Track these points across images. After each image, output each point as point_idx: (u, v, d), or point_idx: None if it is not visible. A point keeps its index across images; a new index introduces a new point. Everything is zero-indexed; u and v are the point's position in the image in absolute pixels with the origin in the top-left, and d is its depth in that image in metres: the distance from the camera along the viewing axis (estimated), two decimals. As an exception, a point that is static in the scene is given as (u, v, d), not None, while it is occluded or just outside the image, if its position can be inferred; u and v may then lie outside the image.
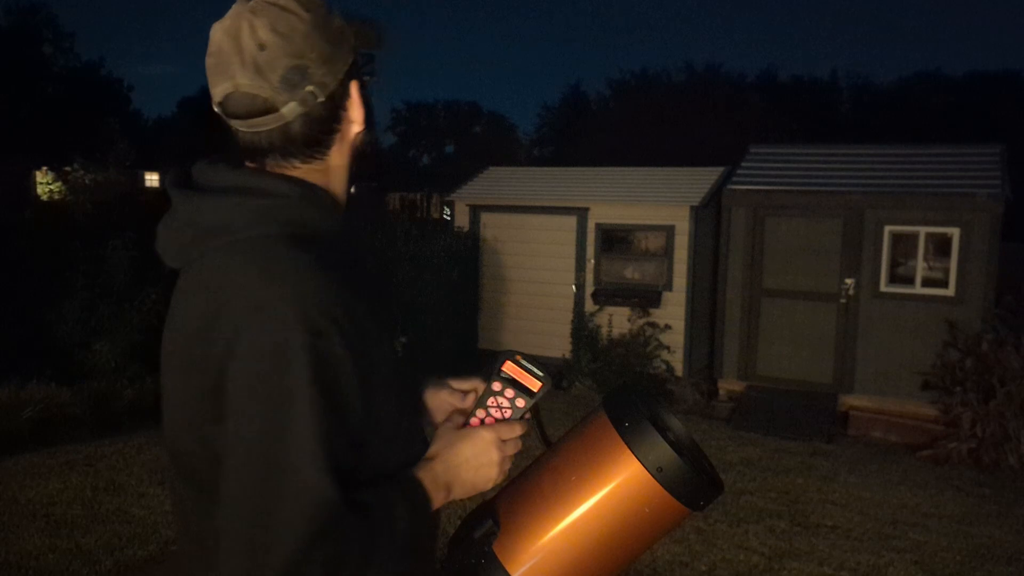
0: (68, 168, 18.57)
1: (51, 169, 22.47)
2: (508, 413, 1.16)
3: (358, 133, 1.16)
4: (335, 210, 1.14)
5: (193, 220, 1.09)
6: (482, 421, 1.16)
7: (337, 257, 1.07)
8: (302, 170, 1.12)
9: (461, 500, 1.35)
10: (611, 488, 1.18)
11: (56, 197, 19.28)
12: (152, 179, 27.71)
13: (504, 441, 1.15)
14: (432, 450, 1.14)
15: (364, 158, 1.18)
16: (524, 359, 1.17)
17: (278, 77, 1.05)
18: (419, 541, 1.10)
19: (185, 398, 1.05)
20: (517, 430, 1.15)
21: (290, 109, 1.06)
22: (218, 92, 1.08)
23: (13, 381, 6.18)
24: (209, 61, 1.08)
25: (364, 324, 1.03)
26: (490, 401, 1.16)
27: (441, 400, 1.26)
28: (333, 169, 1.15)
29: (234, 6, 1.08)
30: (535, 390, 1.15)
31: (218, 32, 1.07)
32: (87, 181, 16.85)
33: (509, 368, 1.17)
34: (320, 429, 0.95)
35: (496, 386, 1.16)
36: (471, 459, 1.13)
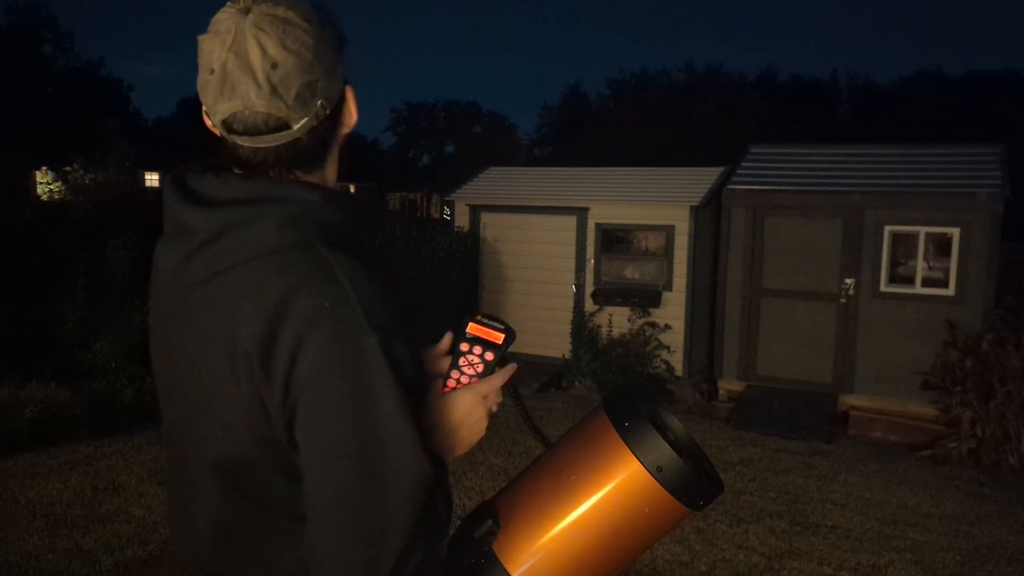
0: (68, 168, 18.57)
1: (51, 169, 22.48)
2: (480, 368, 1.20)
3: (346, 134, 1.16)
4: (354, 211, 1.13)
5: (217, 235, 1.06)
6: (458, 380, 1.20)
7: (368, 258, 1.09)
8: (301, 176, 1.12)
9: (460, 501, 1.35)
10: (611, 488, 1.18)
11: (56, 197, 19.28)
12: (152, 179, 27.71)
13: (485, 397, 1.19)
14: (426, 422, 1.17)
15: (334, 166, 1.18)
16: (485, 318, 1.23)
17: (293, 96, 1.04)
18: None
19: (235, 406, 1.05)
20: (495, 382, 1.20)
21: (302, 125, 1.06)
22: (222, 110, 1.05)
23: (13, 381, 6.18)
24: (206, 78, 1.05)
25: (404, 322, 1.07)
26: (461, 361, 1.20)
27: None
28: (327, 172, 1.15)
29: (228, 18, 1.04)
30: (499, 342, 1.20)
31: (217, 48, 1.04)
32: (87, 181, 16.88)
33: (473, 329, 1.22)
34: (407, 417, 1.01)
35: (464, 346, 1.21)
36: (462, 422, 1.17)
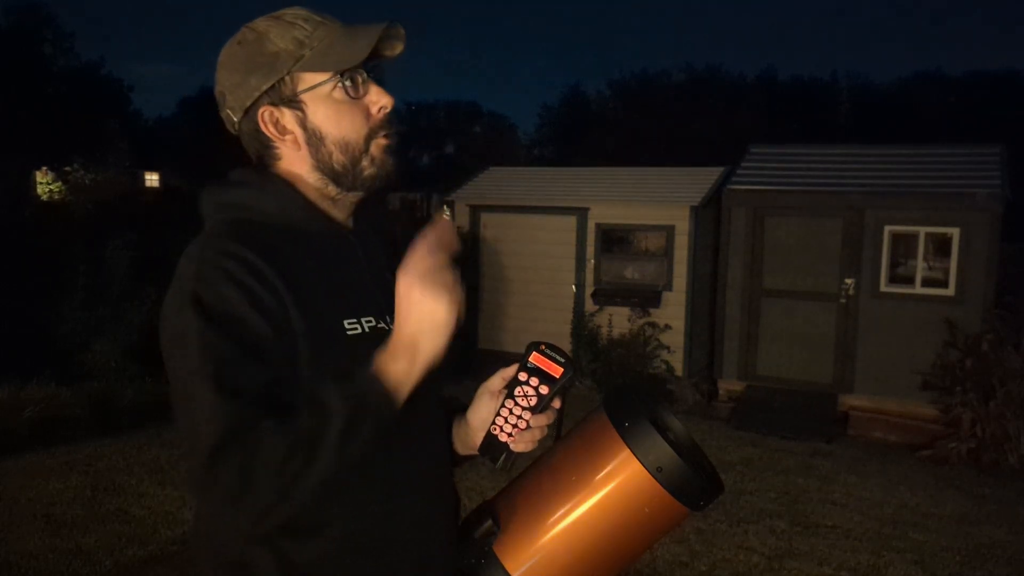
0: (68, 168, 18.60)
1: (51, 169, 22.49)
2: (533, 401, 1.18)
3: (314, 148, 1.21)
4: (295, 203, 1.22)
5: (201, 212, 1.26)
6: (510, 411, 1.19)
7: (270, 237, 1.16)
8: (280, 169, 1.24)
9: (460, 501, 1.35)
10: (611, 488, 1.18)
11: (56, 197, 19.31)
12: (152, 179, 27.73)
13: (426, 271, 1.07)
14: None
15: (332, 173, 1.22)
16: (548, 348, 1.20)
17: (216, 96, 1.25)
18: (374, 424, 1.07)
19: None
20: (428, 255, 1.08)
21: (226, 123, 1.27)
22: None
23: (13, 381, 6.18)
24: None
25: (277, 293, 1.10)
26: (517, 391, 1.19)
27: (482, 411, 1.28)
28: (293, 176, 1.24)
29: None
30: (557, 376, 1.19)
31: None
32: (87, 181, 16.91)
33: (535, 358, 1.20)
34: (212, 356, 1.05)
35: (522, 376, 1.19)
36: (414, 319, 1.07)
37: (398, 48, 1.23)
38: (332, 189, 1.24)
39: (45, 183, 22.54)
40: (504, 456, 1.20)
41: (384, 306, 1.22)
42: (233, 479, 1.00)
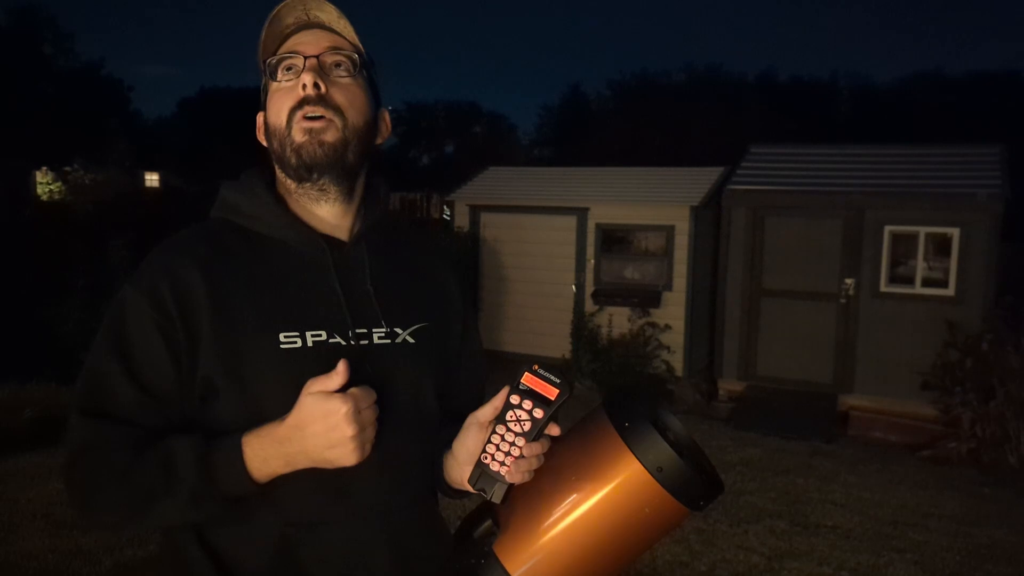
0: (68, 168, 18.59)
1: (51, 169, 22.47)
2: (527, 426, 1.14)
3: (268, 143, 1.25)
4: (264, 207, 1.23)
5: None
6: (502, 437, 1.15)
7: (234, 241, 1.21)
8: (277, 172, 1.28)
9: (460, 501, 1.35)
10: (611, 488, 1.18)
11: (56, 197, 19.31)
12: (152, 179, 27.69)
13: (360, 411, 1.08)
14: (288, 419, 1.08)
15: (280, 164, 1.24)
16: (542, 369, 1.16)
17: None
18: (215, 498, 1.10)
19: None
20: (373, 395, 1.10)
21: None
22: None
23: (13, 381, 6.18)
24: None
25: (199, 300, 1.13)
26: (509, 415, 1.15)
27: (469, 442, 1.21)
28: (277, 179, 1.28)
29: None
30: (552, 399, 1.14)
31: None
32: (87, 181, 16.91)
33: (528, 379, 1.15)
34: (96, 369, 1.15)
35: (514, 399, 1.15)
36: (320, 435, 1.07)
37: (325, 8, 1.20)
38: (291, 183, 1.23)
39: (45, 183, 22.52)
40: (497, 487, 1.16)
41: (353, 321, 1.20)
42: (78, 493, 1.16)
